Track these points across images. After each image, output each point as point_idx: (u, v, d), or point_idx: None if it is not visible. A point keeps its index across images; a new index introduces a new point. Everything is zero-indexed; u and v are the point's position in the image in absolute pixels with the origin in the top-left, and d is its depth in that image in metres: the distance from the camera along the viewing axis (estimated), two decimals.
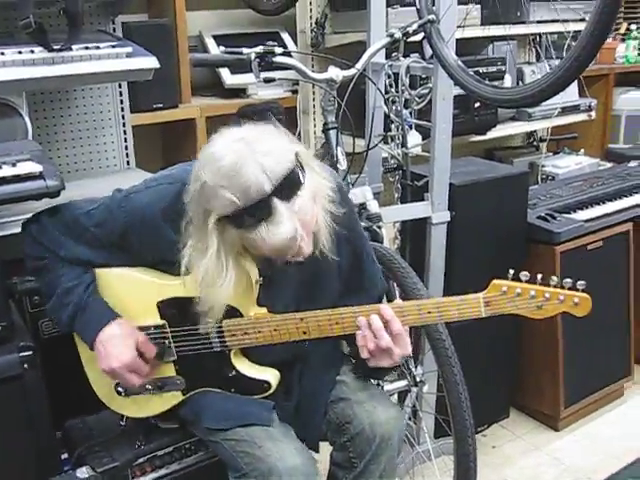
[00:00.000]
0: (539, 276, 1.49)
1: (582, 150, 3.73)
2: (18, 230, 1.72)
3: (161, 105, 2.76)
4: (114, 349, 1.62)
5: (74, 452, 1.83)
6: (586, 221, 2.70)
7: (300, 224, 1.37)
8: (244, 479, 1.57)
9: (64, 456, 1.88)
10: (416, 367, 2.09)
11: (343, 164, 2.15)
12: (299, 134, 3.12)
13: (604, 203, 2.87)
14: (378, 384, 1.97)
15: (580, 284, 1.48)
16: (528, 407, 2.92)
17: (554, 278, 1.48)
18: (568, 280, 1.48)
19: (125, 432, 1.85)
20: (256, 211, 1.34)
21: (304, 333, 1.59)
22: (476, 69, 2.91)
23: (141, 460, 1.80)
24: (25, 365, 1.68)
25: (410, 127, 2.36)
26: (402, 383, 2.08)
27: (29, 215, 1.70)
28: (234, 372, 1.67)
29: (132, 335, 1.64)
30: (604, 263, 2.72)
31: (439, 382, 2.17)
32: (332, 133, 2.17)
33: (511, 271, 1.49)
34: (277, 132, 1.43)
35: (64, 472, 1.76)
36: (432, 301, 1.57)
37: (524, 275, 1.49)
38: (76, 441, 1.86)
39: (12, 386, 1.68)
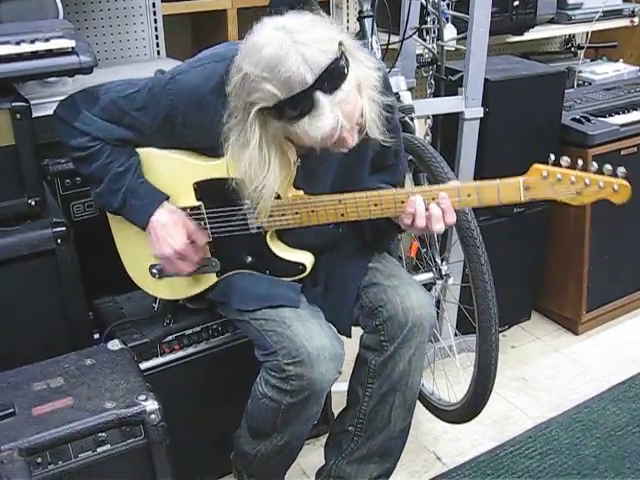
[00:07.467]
0: (580, 162, 1.47)
1: (620, 60, 3.61)
2: (51, 112, 1.70)
3: None
4: (167, 236, 1.63)
5: (105, 330, 1.88)
6: (621, 125, 2.64)
7: (343, 115, 1.36)
8: (272, 357, 1.60)
9: (95, 336, 1.93)
10: (442, 260, 2.11)
11: (377, 54, 2.11)
12: None
13: None
14: None
15: (620, 171, 1.45)
16: (550, 310, 2.94)
17: (594, 164, 1.46)
18: (608, 167, 1.45)
19: (155, 312, 1.90)
20: (298, 104, 1.33)
21: (342, 215, 1.59)
22: None
23: (170, 338, 1.86)
24: (58, 240, 1.72)
25: (447, 20, 2.29)
26: (428, 275, 2.11)
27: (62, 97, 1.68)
28: (269, 254, 1.68)
29: (184, 223, 1.65)
30: (637, 169, 2.66)
31: (464, 273, 2.19)
32: (367, 21, 2.13)
33: (552, 156, 1.46)
34: (320, 21, 1.39)
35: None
36: (472, 184, 1.55)
37: (565, 161, 1.46)
38: (106, 319, 1.92)
39: (46, 261, 1.72)
